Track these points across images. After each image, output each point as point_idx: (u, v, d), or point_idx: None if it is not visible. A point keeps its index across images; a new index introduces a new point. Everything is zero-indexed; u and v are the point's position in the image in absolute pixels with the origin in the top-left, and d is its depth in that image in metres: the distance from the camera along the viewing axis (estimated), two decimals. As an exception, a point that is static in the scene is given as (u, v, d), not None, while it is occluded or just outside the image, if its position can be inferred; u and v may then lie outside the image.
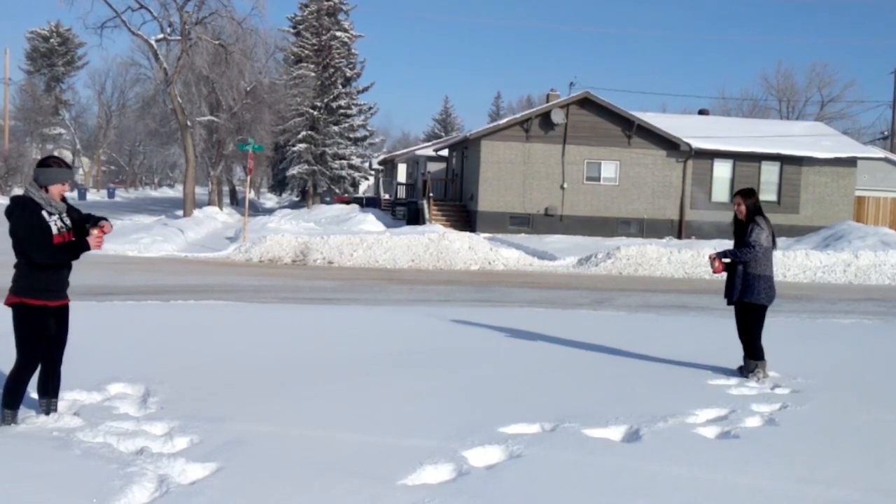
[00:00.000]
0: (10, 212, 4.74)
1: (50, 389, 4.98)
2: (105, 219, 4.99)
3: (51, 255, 4.73)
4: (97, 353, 6.77)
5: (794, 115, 60.34)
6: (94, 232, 4.89)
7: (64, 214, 4.85)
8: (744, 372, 7.07)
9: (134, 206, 43.63)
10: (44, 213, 4.72)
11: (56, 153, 67.15)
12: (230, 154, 40.05)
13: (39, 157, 61.12)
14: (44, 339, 4.83)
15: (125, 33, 32.54)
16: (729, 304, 7.22)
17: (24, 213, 4.68)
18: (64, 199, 4.91)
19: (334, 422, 5.13)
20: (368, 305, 10.97)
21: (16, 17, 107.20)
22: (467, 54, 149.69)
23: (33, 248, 4.67)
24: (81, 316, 8.13)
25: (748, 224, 7.05)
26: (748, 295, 6.97)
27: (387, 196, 50.09)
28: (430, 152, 42.36)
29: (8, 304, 4.77)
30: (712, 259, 7.21)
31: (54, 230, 4.74)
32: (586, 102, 29.98)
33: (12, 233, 4.71)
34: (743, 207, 7.13)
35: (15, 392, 4.79)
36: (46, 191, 4.76)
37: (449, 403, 5.70)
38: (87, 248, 4.84)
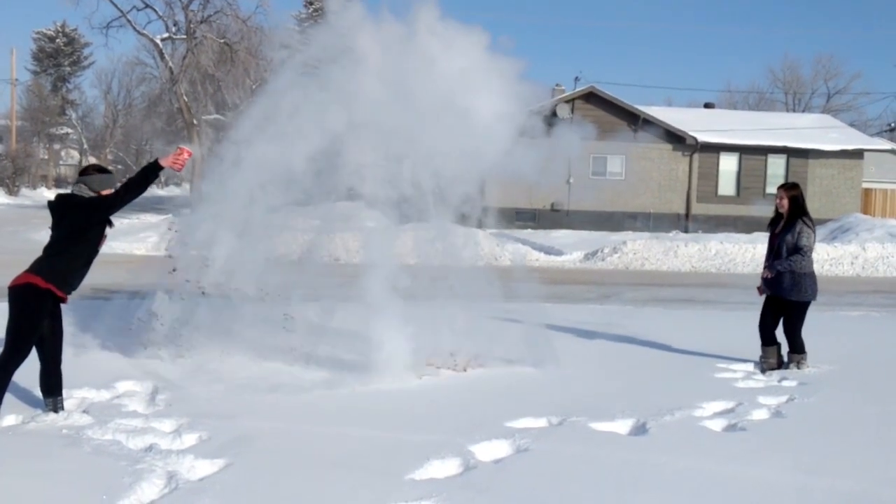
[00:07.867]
0: (65, 200, 4.90)
1: (54, 388, 4.96)
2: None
3: (124, 193, 4.84)
4: (105, 351, 6.80)
5: (801, 107, 60.10)
6: (179, 150, 4.95)
7: None
8: (762, 365, 7.02)
9: (141, 205, 43.64)
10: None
11: (63, 153, 67.31)
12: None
13: (48, 161, 60.70)
14: (39, 328, 4.75)
15: (131, 33, 32.69)
16: (769, 294, 7.04)
17: (85, 199, 4.90)
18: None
19: (341, 417, 5.15)
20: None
21: (22, 18, 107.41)
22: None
23: (111, 204, 4.84)
24: (90, 315, 8.18)
25: (793, 223, 6.86)
26: (796, 293, 6.84)
27: (393, 192, 50.08)
28: (435, 148, 42.35)
29: (17, 283, 4.70)
30: (764, 277, 7.02)
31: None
32: (591, 97, 29.92)
33: (71, 210, 4.84)
34: (785, 201, 6.95)
35: None
36: (98, 195, 4.93)
37: (456, 398, 5.72)
38: (158, 167, 4.89)
